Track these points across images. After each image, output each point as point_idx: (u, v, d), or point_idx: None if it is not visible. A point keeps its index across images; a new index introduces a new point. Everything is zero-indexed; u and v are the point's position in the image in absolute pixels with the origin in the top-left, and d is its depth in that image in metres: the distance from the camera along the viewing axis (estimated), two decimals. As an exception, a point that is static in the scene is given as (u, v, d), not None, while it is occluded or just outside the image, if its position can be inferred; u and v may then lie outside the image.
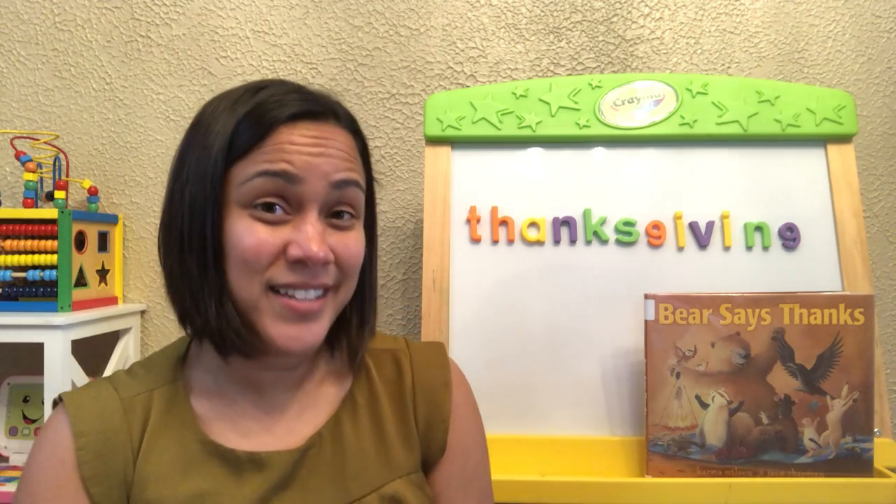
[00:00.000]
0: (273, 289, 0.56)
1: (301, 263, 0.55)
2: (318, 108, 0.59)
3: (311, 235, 0.55)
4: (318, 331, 0.58)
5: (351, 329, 0.65)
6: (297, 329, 0.56)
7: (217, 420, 0.60)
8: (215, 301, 0.56)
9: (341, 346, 0.65)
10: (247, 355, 0.59)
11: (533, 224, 1.01)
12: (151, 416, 0.59)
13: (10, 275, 1.10)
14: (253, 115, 0.56)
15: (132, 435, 0.57)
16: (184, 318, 0.59)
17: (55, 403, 0.60)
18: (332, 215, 0.58)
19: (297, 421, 0.62)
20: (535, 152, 1.03)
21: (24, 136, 1.28)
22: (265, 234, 0.55)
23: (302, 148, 0.56)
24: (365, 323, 0.66)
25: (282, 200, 0.56)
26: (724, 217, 0.99)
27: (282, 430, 0.61)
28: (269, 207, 0.55)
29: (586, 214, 1.00)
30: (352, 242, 0.59)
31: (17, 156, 1.19)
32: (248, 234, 0.55)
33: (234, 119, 0.56)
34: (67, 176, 1.25)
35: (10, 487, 1.06)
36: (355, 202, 0.60)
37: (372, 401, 0.66)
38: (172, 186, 0.58)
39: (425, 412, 0.66)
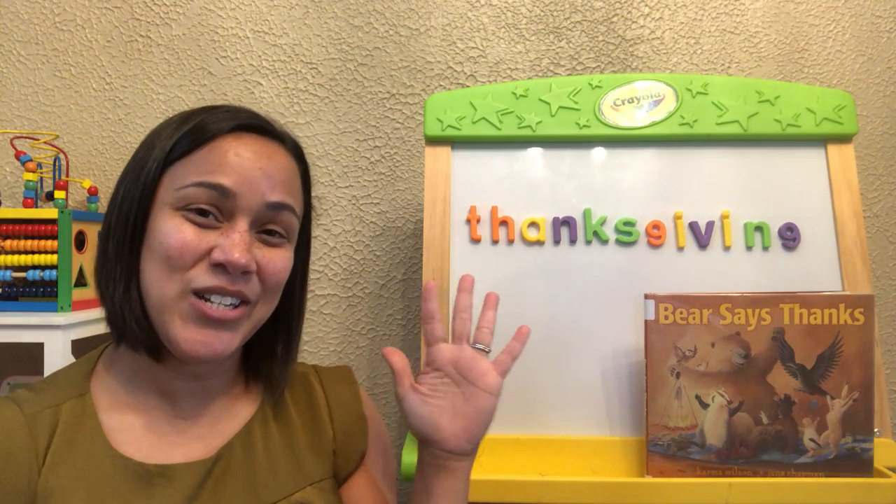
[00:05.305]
0: (190, 293, 0.56)
1: (222, 268, 0.56)
2: (263, 124, 0.62)
3: (236, 242, 0.56)
4: (228, 340, 0.58)
5: (275, 360, 0.67)
6: (205, 334, 0.56)
7: (127, 432, 0.60)
8: (123, 284, 0.58)
9: (263, 374, 0.67)
10: (153, 355, 0.59)
11: (533, 224, 1.01)
12: (58, 430, 0.58)
13: (10, 275, 1.10)
14: (197, 125, 0.59)
15: (37, 450, 0.57)
16: (103, 306, 0.61)
17: None
18: (264, 231, 0.60)
19: (210, 431, 0.63)
20: (535, 152, 1.03)
21: (24, 136, 1.28)
22: (192, 235, 0.56)
23: (242, 161, 0.58)
24: (290, 354, 0.68)
25: (215, 209, 0.57)
26: (724, 217, 0.99)
27: (193, 439, 0.62)
28: (202, 213, 0.57)
29: (586, 214, 1.00)
30: (278, 258, 0.60)
31: (17, 156, 1.19)
32: (175, 232, 0.56)
33: (181, 130, 0.59)
34: (67, 176, 1.25)
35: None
36: (288, 226, 0.61)
37: (283, 413, 0.68)
38: (116, 186, 0.61)
39: (343, 424, 0.70)
